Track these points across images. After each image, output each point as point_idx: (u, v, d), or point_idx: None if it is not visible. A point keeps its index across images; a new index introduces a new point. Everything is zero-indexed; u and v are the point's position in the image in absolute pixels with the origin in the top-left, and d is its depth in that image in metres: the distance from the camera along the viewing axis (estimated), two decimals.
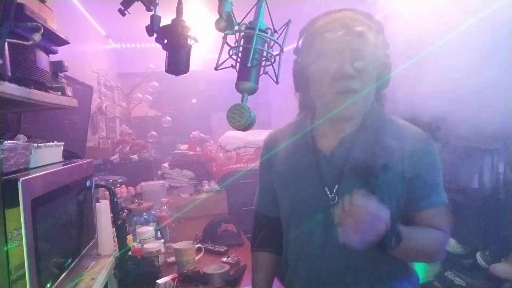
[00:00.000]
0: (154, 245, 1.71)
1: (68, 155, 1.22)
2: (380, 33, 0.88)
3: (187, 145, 3.22)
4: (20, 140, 0.89)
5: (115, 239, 1.50)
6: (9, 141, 0.82)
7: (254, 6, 0.74)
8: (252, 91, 0.73)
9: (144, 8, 0.79)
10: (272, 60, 0.77)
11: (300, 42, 0.93)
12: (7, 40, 0.76)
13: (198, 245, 1.79)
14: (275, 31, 0.77)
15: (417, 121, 0.96)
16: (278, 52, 0.77)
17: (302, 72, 0.92)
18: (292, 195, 0.97)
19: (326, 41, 0.84)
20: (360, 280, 0.89)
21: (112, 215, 1.47)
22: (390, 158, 0.85)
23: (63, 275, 0.96)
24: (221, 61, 0.76)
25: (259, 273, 1.07)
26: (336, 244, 0.82)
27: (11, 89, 0.82)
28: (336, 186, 0.89)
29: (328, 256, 0.90)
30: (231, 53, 0.76)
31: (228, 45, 0.77)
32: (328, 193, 0.89)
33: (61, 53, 1.15)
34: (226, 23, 0.71)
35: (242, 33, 0.74)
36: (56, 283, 0.91)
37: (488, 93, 1.25)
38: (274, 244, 1.07)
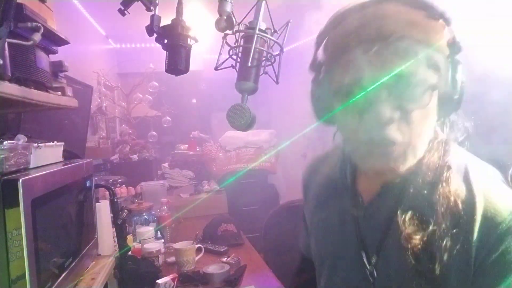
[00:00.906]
0: (154, 245, 1.71)
1: (68, 155, 1.22)
2: (442, 32, 0.55)
3: (187, 145, 3.23)
4: (20, 140, 0.89)
5: (115, 239, 1.50)
6: (9, 141, 0.82)
7: (254, 6, 0.74)
8: (252, 91, 0.73)
9: (144, 8, 0.79)
10: (272, 60, 0.77)
11: (318, 54, 0.64)
12: (7, 40, 0.76)
13: (198, 245, 1.79)
14: (275, 31, 0.77)
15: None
16: (278, 52, 0.77)
17: (321, 99, 0.64)
18: (327, 245, 0.73)
19: (348, 64, 0.54)
20: None
21: (112, 215, 1.47)
22: (457, 227, 0.54)
23: (63, 275, 0.96)
24: (221, 61, 0.76)
25: None
26: None
27: (11, 89, 0.82)
28: (375, 257, 0.62)
29: None
30: (231, 53, 0.76)
31: (228, 45, 0.77)
32: (366, 262, 0.63)
33: (61, 53, 1.14)
34: (226, 23, 0.71)
35: (242, 33, 0.74)
36: (56, 283, 0.91)
37: None
38: None
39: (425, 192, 0.58)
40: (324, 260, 0.74)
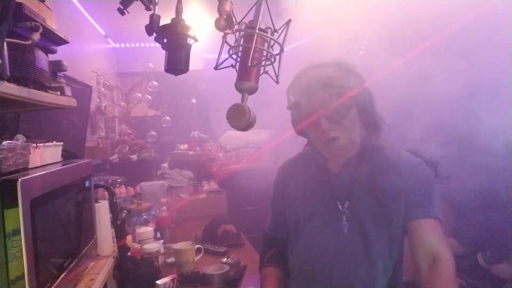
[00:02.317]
0: (153, 246, 1.71)
1: (67, 155, 1.22)
2: (354, 76, 1.02)
3: (187, 145, 3.22)
4: (19, 140, 0.88)
5: (114, 239, 1.50)
6: (8, 141, 0.81)
7: (254, 5, 0.73)
8: (252, 91, 0.73)
9: (144, 7, 0.78)
10: (272, 60, 0.76)
11: (289, 99, 1.11)
12: (6, 39, 0.75)
13: (198, 245, 1.78)
14: (275, 31, 0.76)
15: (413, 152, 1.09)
16: (278, 51, 0.77)
17: (296, 122, 1.12)
18: (305, 207, 1.08)
19: (304, 105, 1.04)
20: (368, 279, 0.98)
21: (111, 216, 1.47)
22: (391, 177, 1.00)
23: (62, 275, 0.95)
24: (221, 60, 0.76)
25: (268, 286, 1.12)
26: (347, 253, 0.99)
27: (10, 88, 0.81)
28: (347, 202, 1.02)
29: (340, 265, 1.00)
30: (231, 52, 0.75)
31: (228, 44, 0.77)
32: (340, 207, 1.03)
33: (60, 53, 1.14)
34: (226, 22, 0.71)
35: (242, 33, 0.74)
36: (55, 283, 0.90)
37: None
38: (282, 261, 1.15)
39: (371, 161, 1.04)
40: (305, 217, 1.08)
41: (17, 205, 0.73)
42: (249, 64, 0.70)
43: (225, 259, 1.72)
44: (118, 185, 2.40)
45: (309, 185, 1.10)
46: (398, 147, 1.09)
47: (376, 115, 1.05)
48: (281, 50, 0.77)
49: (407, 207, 0.98)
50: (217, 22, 0.71)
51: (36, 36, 0.85)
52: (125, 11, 0.80)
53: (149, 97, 3.52)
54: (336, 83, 0.99)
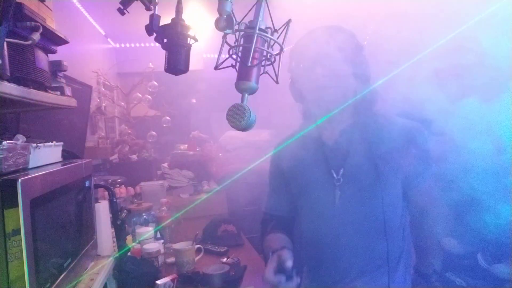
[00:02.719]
0: (153, 246, 1.71)
1: (67, 155, 1.22)
2: (351, 40, 1.08)
3: (187, 145, 3.22)
4: (19, 140, 0.88)
5: (115, 239, 1.50)
6: (8, 141, 0.81)
7: (254, 5, 0.73)
8: (252, 91, 0.73)
9: (144, 7, 0.78)
10: (272, 60, 0.76)
11: (291, 64, 1.14)
12: (6, 39, 0.75)
13: (198, 245, 1.78)
14: (275, 31, 0.76)
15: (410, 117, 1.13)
16: (278, 51, 0.77)
17: (295, 87, 1.16)
18: (303, 179, 1.14)
19: (306, 59, 1.09)
20: (365, 255, 1.05)
21: (111, 216, 1.47)
22: (385, 145, 1.05)
23: (62, 275, 0.95)
24: (221, 60, 0.76)
25: (275, 242, 1.14)
26: (341, 221, 1.05)
27: (10, 88, 0.81)
28: (342, 169, 1.07)
29: (336, 232, 1.06)
30: (231, 52, 0.75)
31: (228, 44, 0.77)
32: (335, 175, 1.07)
33: (60, 53, 1.14)
34: (226, 22, 0.70)
35: (242, 33, 0.74)
36: (55, 283, 0.91)
37: None
38: (284, 230, 1.19)
39: (365, 129, 1.09)
40: (303, 185, 1.14)
41: (17, 205, 0.73)
42: (249, 64, 0.70)
43: (225, 259, 1.72)
44: (118, 185, 2.40)
45: (306, 159, 1.14)
46: (391, 113, 1.14)
47: (370, 83, 1.10)
48: (281, 50, 0.77)
49: (405, 176, 1.06)
50: (217, 22, 0.71)
51: (36, 36, 0.86)
52: (125, 11, 0.80)
53: (149, 97, 3.52)
54: (336, 40, 1.05)
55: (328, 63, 1.04)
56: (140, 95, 3.50)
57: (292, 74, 1.16)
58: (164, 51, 0.79)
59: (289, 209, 1.22)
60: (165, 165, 3.01)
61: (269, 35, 0.73)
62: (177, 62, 0.78)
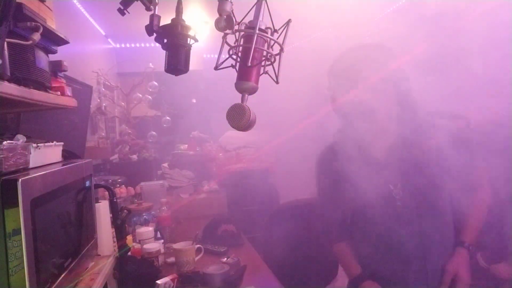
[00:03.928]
0: (153, 246, 1.71)
1: (68, 155, 1.22)
2: (392, 62, 1.12)
3: (187, 145, 3.22)
4: (19, 140, 0.88)
5: (115, 239, 1.50)
6: (8, 141, 0.81)
7: (254, 5, 0.74)
8: (252, 91, 0.73)
9: (144, 7, 0.78)
10: (272, 60, 0.76)
11: (330, 81, 1.21)
12: (6, 39, 0.75)
13: (198, 245, 1.78)
14: (275, 31, 0.76)
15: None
16: (278, 51, 0.77)
17: (337, 104, 1.21)
18: (363, 196, 1.17)
19: (345, 77, 1.15)
20: (428, 266, 1.14)
21: (111, 215, 1.47)
22: (433, 152, 1.11)
23: (63, 275, 0.95)
24: (221, 60, 0.76)
25: (352, 259, 1.27)
26: (403, 233, 1.12)
27: (11, 89, 0.81)
28: (399, 184, 1.14)
29: (397, 243, 1.13)
30: (231, 52, 0.76)
31: (228, 44, 0.77)
32: (392, 188, 1.15)
33: (61, 53, 1.14)
34: (226, 22, 0.71)
35: (242, 33, 0.74)
36: (56, 283, 0.90)
37: None
38: (347, 236, 1.29)
39: (408, 141, 1.16)
40: (362, 205, 1.18)
41: (17, 205, 0.74)
42: (249, 64, 0.70)
43: (225, 259, 1.72)
44: (118, 185, 2.40)
45: (362, 173, 1.17)
46: (431, 115, 1.18)
47: (411, 97, 1.13)
48: (281, 50, 0.78)
49: (452, 186, 1.14)
50: (217, 23, 0.71)
51: (36, 36, 0.86)
52: (125, 11, 0.80)
53: (149, 97, 3.52)
54: (377, 61, 1.10)
55: (371, 86, 1.09)
56: (140, 95, 3.50)
57: (333, 93, 1.21)
58: (164, 51, 0.79)
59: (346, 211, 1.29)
60: (165, 165, 3.01)
61: (269, 35, 0.73)
62: (177, 62, 0.78)
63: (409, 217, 1.14)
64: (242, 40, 0.74)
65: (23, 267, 0.75)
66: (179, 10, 0.79)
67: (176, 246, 1.68)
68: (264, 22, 0.73)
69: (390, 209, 1.15)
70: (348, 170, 1.21)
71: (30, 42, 0.85)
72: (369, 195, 1.16)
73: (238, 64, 0.74)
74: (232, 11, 0.71)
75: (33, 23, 0.87)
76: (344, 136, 1.27)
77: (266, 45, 0.74)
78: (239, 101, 0.71)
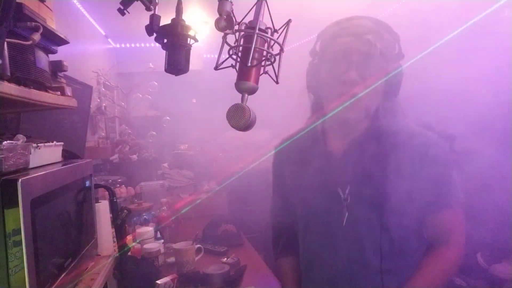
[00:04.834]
0: (153, 246, 1.71)
1: (68, 155, 1.22)
2: (393, 43, 0.94)
3: (187, 145, 3.22)
4: (19, 140, 0.88)
5: (115, 239, 1.50)
6: (8, 141, 0.81)
7: (254, 5, 0.74)
8: (252, 91, 0.73)
9: (144, 7, 0.78)
10: (272, 60, 0.76)
11: (316, 45, 1.01)
12: (6, 39, 0.75)
13: (198, 245, 1.78)
14: (275, 31, 0.76)
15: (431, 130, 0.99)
16: (278, 51, 0.77)
17: (314, 74, 1.01)
18: (306, 197, 1.02)
19: (336, 46, 0.93)
20: (371, 276, 0.92)
21: (111, 215, 1.47)
22: (400, 161, 0.90)
23: (63, 275, 0.96)
24: (221, 60, 0.76)
25: (288, 280, 1.10)
26: (348, 242, 0.93)
27: (10, 88, 0.81)
28: (348, 187, 0.94)
29: (341, 254, 0.95)
30: (231, 52, 0.76)
31: (228, 44, 0.77)
32: (341, 194, 0.95)
33: (61, 53, 1.14)
34: (225, 22, 0.71)
35: (242, 33, 0.74)
36: (56, 283, 0.91)
37: None
38: (296, 249, 1.09)
39: (379, 141, 0.93)
40: (307, 203, 1.02)
41: (17, 205, 0.74)
42: (249, 64, 0.70)
43: (225, 259, 1.72)
44: (118, 185, 2.41)
45: (310, 171, 1.01)
46: (410, 123, 0.99)
47: (397, 95, 0.96)
48: (281, 50, 0.77)
49: (421, 196, 0.90)
50: (217, 22, 0.71)
51: (36, 36, 0.86)
52: (125, 11, 0.80)
53: (149, 97, 3.52)
54: (374, 37, 0.90)
55: (360, 60, 0.90)
56: (140, 95, 3.51)
57: (313, 58, 1.02)
58: (164, 51, 0.79)
59: (295, 218, 1.09)
60: (166, 165, 3.01)
61: (269, 35, 0.73)
62: (177, 62, 0.78)
63: (351, 231, 0.93)
64: (242, 40, 0.74)
65: (23, 267, 0.75)
66: (179, 10, 0.79)
67: (176, 246, 1.68)
68: (264, 22, 0.73)
69: (334, 218, 0.95)
70: (294, 168, 1.05)
71: (30, 42, 0.85)
72: (316, 199, 0.99)
73: (238, 64, 0.74)
74: (232, 11, 0.71)
75: (33, 23, 0.87)
76: (307, 122, 1.08)
77: (266, 45, 0.74)
78: (239, 101, 0.71)
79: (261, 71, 0.75)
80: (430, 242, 0.96)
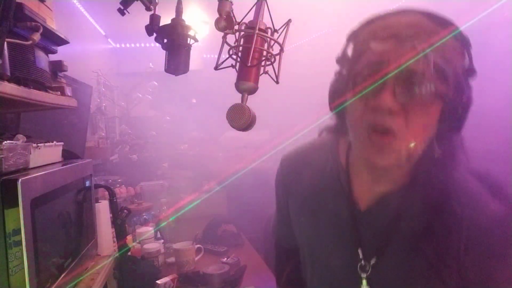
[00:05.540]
0: (153, 246, 1.71)
1: (68, 155, 1.22)
2: (459, 52, 0.60)
3: (187, 145, 3.22)
4: (19, 140, 0.88)
5: (115, 239, 1.50)
6: (8, 141, 0.81)
7: (254, 5, 0.74)
8: (252, 91, 0.73)
9: (144, 7, 0.79)
10: (272, 60, 0.76)
11: (347, 49, 0.69)
12: (6, 39, 0.75)
13: (198, 245, 1.78)
14: (275, 31, 0.76)
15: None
16: (278, 51, 0.77)
17: (339, 90, 0.70)
18: (314, 247, 0.79)
19: (369, 54, 0.61)
20: None
21: (111, 215, 1.47)
22: (449, 234, 0.63)
23: (63, 275, 0.96)
24: (221, 60, 0.76)
25: None
26: None
27: (10, 89, 0.81)
28: (375, 258, 0.68)
29: None
30: (231, 52, 0.76)
31: (228, 44, 0.77)
32: (361, 257, 0.69)
33: (61, 53, 1.14)
34: (225, 22, 0.71)
35: (242, 33, 0.74)
36: (56, 283, 0.91)
37: None
38: (301, 281, 0.89)
39: (424, 200, 0.64)
40: (314, 255, 0.79)
41: (17, 205, 0.74)
42: (249, 64, 0.70)
43: (225, 259, 1.72)
44: (118, 185, 2.41)
45: (323, 211, 0.76)
46: (463, 174, 0.66)
47: (461, 130, 0.63)
48: (281, 50, 0.77)
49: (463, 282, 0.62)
50: (217, 22, 0.71)
51: (36, 36, 0.86)
52: (125, 11, 0.80)
53: (149, 97, 3.52)
54: (426, 42, 0.56)
55: (405, 90, 0.57)
56: (140, 95, 3.50)
57: (341, 68, 0.71)
58: (164, 51, 0.79)
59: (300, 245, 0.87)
60: (165, 165, 3.01)
61: (269, 35, 0.73)
62: (177, 62, 0.78)
63: None
64: (242, 40, 0.74)
65: (23, 267, 0.75)
66: (179, 10, 0.79)
67: (176, 246, 1.68)
68: (264, 22, 0.73)
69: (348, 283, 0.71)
70: (301, 200, 0.81)
71: (30, 42, 0.85)
72: (326, 248, 0.76)
73: (238, 64, 0.74)
74: (232, 11, 0.71)
75: (33, 23, 0.87)
76: (324, 140, 0.82)
77: (266, 45, 0.74)
78: (239, 101, 0.71)
79: (261, 71, 0.75)
80: None
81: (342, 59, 0.70)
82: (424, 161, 0.64)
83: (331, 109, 0.73)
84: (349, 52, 0.68)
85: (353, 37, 0.68)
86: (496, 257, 0.62)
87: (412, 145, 0.59)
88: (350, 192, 0.72)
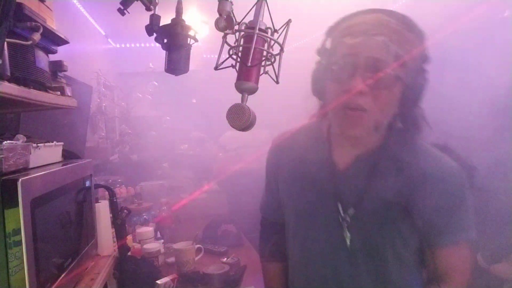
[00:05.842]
0: (153, 246, 1.71)
1: (68, 155, 1.22)
2: (416, 44, 0.76)
3: (187, 145, 3.23)
4: (19, 140, 0.88)
5: (115, 239, 1.50)
6: (8, 141, 0.82)
7: (254, 5, 0.74)
8: (252, 91, 0.73)
9: (144, 7, 0.79)
10: (272, 60, 0.76)
11: (325, 43, 0.84)
12: (6, 39, 0.75)
13: (198, 245, 1.78)
14: (276, 31, 0.76)
15: (452, 153, 0.85)
16: (278, 51, 0.77)
17: (319, 77, 0.86)
18: (300, 206, 0.92)
19: (343, 47, 0.77)
20: None
21: (111, 215, 1.47)
22: (411, 187, 0.79)
23: (63, 275, 0.96)
24: (221, 60, 0.76)
25: (273, 286, 1.04)
26: (349, 273, 0.84)
27: (10, 89, 0.81)
28: (352, 209, 0.83)
29: (336, 275, 0.86)
30: (231, 52, 0.76)
31: (228, 44, 0.77)
32: (341, 211, 0.84)
33: (61, 53, 1.14)
34: (225, 22, 0.71)
35: (242, 33, 0.74)
36: (56, 283, 0.91)
37: None
38: (283, 256, 1.02)
39: (391, 162, 0.81)
40: (300, 214, 0.92)
41: (17, 205, 0.74)
42: (249, 64, 0.70)
43: (225, 259, 1.72)
44: (118, 185, 2.41)
45: (308, 175, 0.90)
46: (427, 145, 0.85)
47: (419, 108, 0.81)
48: (281, 50, 0.77)
49: (430, 227, 0.81)
50: (217, 22, 0.71)
51: (36, 36, 0.86)
52: (125, 11, 0.80)
53: (149, 97, 3.53)
54: (389, 37, 0.73)
55: (368, 66, 0.74)
56: (140, 95, 3.51)
57: (321, 58, 0.86)
58: (164, 51, 0.79)
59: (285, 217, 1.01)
60: (165, 165, 3.01)
61: (269, 35, 0.73)
62: (177, 62, 0.78)
63: (357, 264, 0.83)
64: (242, 40, 0.74)
65: (23, 267, 0.75)
66: (179, 10, 0.79)
67: (176, 246, 1.68)
68: (264, 22, 0.73)
69: (333, 238, 0.85)
70: (290, 168, 0.95)
71: (30, 42, 0.85)
72: (311, 209, 0.89)
73: (238, 64, 0.74)
74: (232, 11, 0.71)
75: (33, 23, 0.87)
76: (310, 123, 0.97)
77: (266, 45, 0.74)
78: (239, 101, 0.71)
79: (261, 71, 0.75)
80: (429, 277, 0.87)
81: (321, 51, 0.85)
82: (389, 130, 0.82)
83: (313, 92, 0.90)
84: (327, 45, 0.84)
85: (330, 32, 0.84)
86: (451, 203, 0.79)
87: (379, 117, 0.77)
88: (330, 156, 0.88)
